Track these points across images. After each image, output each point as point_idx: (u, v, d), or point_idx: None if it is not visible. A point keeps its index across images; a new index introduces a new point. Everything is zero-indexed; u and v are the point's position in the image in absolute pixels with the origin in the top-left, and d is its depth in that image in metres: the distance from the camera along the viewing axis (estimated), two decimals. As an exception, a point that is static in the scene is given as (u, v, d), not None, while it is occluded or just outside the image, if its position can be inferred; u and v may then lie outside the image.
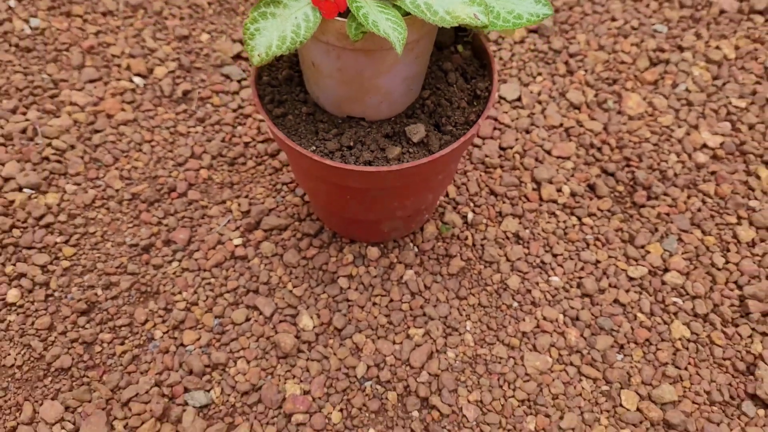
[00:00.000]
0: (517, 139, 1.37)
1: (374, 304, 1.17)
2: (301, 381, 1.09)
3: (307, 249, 1.22)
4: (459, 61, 1.08)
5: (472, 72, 1.08)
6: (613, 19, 1.56)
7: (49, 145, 1.31)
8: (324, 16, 0.85)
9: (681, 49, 1.51)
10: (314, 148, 0.99)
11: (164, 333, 1.13)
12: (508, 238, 1.26)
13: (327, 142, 0.99)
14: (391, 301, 1.17)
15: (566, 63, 1.49)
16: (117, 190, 1.28)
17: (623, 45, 1.51)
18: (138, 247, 1.22)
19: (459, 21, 0.83)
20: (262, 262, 1.21)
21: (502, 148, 1.36)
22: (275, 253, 1.22)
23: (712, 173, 1.34)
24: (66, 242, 1.22)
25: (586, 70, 1.48)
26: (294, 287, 1.18)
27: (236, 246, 1.23)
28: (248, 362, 1.10)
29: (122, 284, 1.18)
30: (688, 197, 1.31)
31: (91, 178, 1.29)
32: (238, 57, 1.47)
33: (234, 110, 1.39)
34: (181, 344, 1.12)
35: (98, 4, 1.53)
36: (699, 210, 1.29)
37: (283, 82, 1.06)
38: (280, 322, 1.15)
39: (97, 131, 1.35)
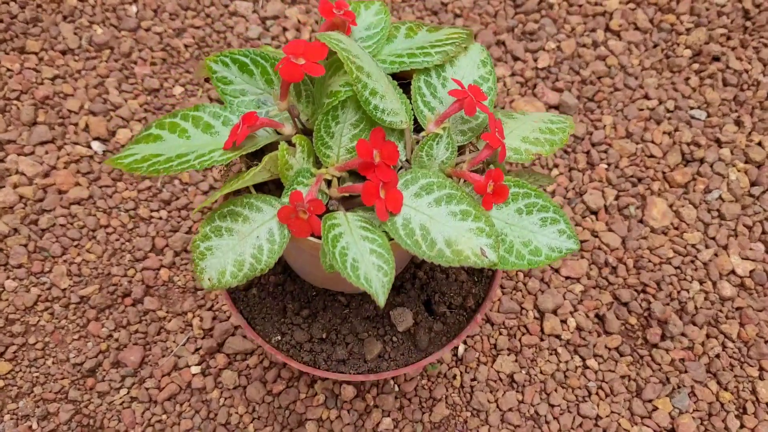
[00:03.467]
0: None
1: (343, 464, 1.04)
2: None
3: (273, 382, 1.08)
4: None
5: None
6: (647, 97, 1.36)
7: (-13, 231, 1.15)
8: (294, 234, 0.68)
9: (719, 143, 1.32)
10: (279, 337, 0.83)
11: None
12: (501, 380, 1.12)
13: (295, 330, 0.84)
14: (363, 462, 1.04)
15: (587, 153, 1.30)
16: (63, 290, 1.13)
17: (654, 134, 1.32)
18: (82, 367, 1.07)
19: (461, 260, 0.66)
20: (222, 396, 1.07)
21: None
22: (237, 385, 1.08)
23: (738, 309, 1.19)
24: (1, 355, 1.07)
25: (609, 164, 1.30)
26: (255, 430, 1.05)
27: (194, 375, 1.08)
28: None
29: (61, 415, 1.04)
30: (707, 337, 1.16)
31: (35, 272, 1.13)
32: (213, 122, 1.28)
33: (204, 192, 1.22)
34: None
35: (57, 38, 1.32)
36: (717, 356, 1.15)
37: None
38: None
39: (45, 211, 1.17)
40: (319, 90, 0.73)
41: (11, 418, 1.04)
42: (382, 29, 0.78)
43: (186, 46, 1.34)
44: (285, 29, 1.36)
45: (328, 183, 0.71)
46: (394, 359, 0.84)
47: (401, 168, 0.75)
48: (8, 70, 1.28)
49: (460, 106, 0.70)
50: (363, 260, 0.66)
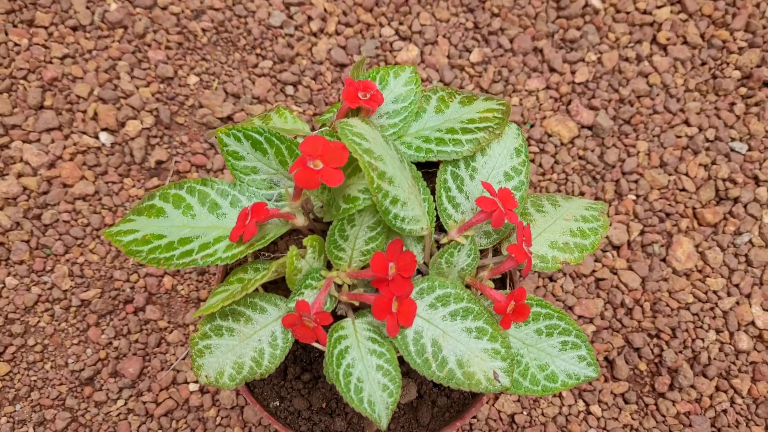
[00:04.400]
0: (538, 287, 1.17)
1: None
2: None
3: (271, 406, 1.07)
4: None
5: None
6: (687, 123, 1.28)
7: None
8: (298, 339, 0.64)
9: (757, 181, 1.25)
10: (277, 402, 0.81)
11: None
12: (501, 419, 1.10)
13: (294, 396, 0.81)
14: None
15: (616, 182, 1.24)
16: (64, 292, 1.11)
17: (690, 165, 1.25)
18: (81, 375, 1.06)
19: (471, 384, 0.63)
20: (218, 415, 1.07)
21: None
22: (235, 405, 1.07)
23: (752, 364, 1.16)
24: (0, 355, 1.06)
25: (638, 196, 1.24)
26: (250, 453, 1.05)
27: (192, 392, 1.07)
28: None
29: (58, 423, 1.04)
30: (717, 390, 1.14)
31: (37, 270, 1.11)
32: (229, 119, 1.22)
33: (213, 196, 1.17)
34: None
35: (69, 12, 1.24)
36: (725, 411, 1.13)
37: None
38: None
39: (48, 205, 1.14)
40: (337, 189, 0.67)
41: (8, 422, 1.04)
42: (411, 102, 0.72)
43: (204, 30, 1.26)
44: (310, 18, 1.27)
45: (338, 286, 0.67)
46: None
47: (418, 272, 0.70)
48: (16, 45, 1.21)
49: (487, 217, 0.65)
50: (368, 379, 0.63)
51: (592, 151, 1.25)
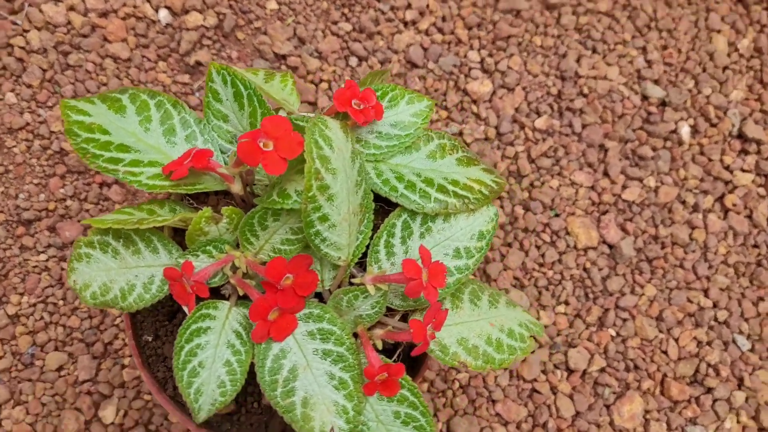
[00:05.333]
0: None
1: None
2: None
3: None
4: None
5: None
6: (705, 294, 1.20)
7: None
8: (173, 294, 0.62)
9: (739, 384, 1.17)
10: (150, 338, 0.79)
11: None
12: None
13: (167, 342, 0.79)
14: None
15: (605, 311, 1.18)
16: (51, 133, 1.10)
17: (684, 334, 1.18)
18: (23, 214, 1.07)
19: (304, 427, 0.60)
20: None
21: None
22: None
23: None
24: (-35, 157, 1.07)
25: (618, 334, 1.17)
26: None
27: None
28: None
29: (-20, 245, 1.04)
30: None
31: (39, 101, 1.12)
32: (283, 57, 1.19)
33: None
34: None
35: None
36: None
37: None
38: None
39: (81, 49, 1.14)
40: (277, 177, 0.63)
41: (-63, 219, 1.04)
42: (409, 135, 0.67)
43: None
44: (409, 6, 1.24)
45: (236, 268, 0.63)
46: None
47: (319, 296, 0.66)
48: None
49: (405, 281, 0.61)
50: (210, 368, 0.60)
51: (600, 269, 1.19)
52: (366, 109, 0.64)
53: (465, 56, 1.23)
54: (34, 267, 1.05)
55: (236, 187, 0.64)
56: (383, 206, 0.70)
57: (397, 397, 0.63)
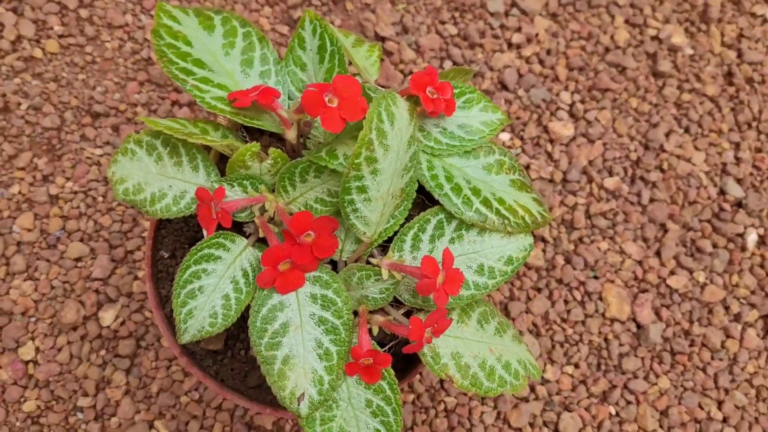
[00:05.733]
0: (461, 395, 1.10)
1: None
2: None
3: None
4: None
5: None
6: (719, 405, 1.16)
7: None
8: (197, 216, 0.62)
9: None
10: (166, 255, 0.80)
11: None
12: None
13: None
14: None
15: (612, 387, 1.14)
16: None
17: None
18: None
19: (277, 384, 0.59)
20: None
21: None
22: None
23: None
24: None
25: (617, 414, 1.14)
26: (140, 280, 1.05)
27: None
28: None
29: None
30: None
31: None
32: (382, 40, 1.19)
33: None
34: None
35: None
36: None
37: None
38: None
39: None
40: (331, 135, 0.63)
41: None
42: (472, 141, 0.67)
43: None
44: (519, 29, 1.22)
45: (265, 210, 0.64)
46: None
47: (333, 263, 0.66)
48: None
49: (419, 277, 0.60)
50: (208, 297, 0.61)
51: (620, 345, 1.15)
52: (438, 100, 0.63)
53: (557, 95, 1.21)
54: (88, 158, 1.08)
55: (291, 134, 0.64)
56: (424, 200, 0.69)
57: (374, 386, 0.63)
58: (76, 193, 1.07)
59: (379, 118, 0.57)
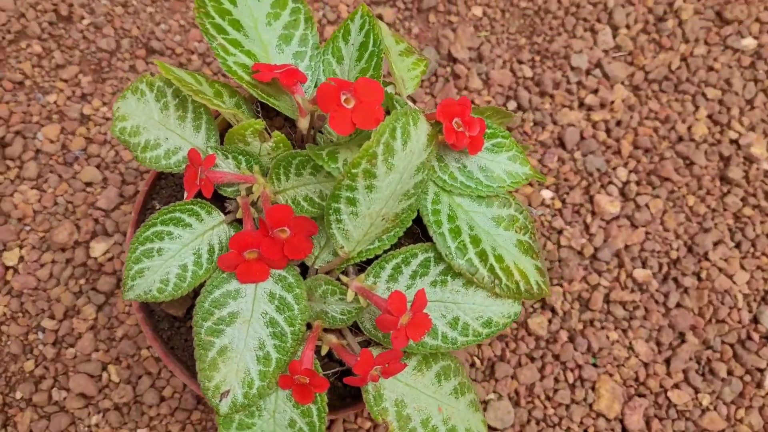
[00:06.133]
0: None
1: None
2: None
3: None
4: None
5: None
6: None
7: None
8: (184, 175, 0.60)
9: None
10: (157, 205, 0.77)
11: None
12: None
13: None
14: None
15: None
16: None
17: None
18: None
19: (206, 365, 0.56)
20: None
21: None
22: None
23: None
24: None
25: None
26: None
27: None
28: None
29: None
30: None
31: None
32: (454, 60, 1.15)
33: None
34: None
35: None
36: None
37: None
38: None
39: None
40: (337, 136, 0.60)
41: None
42: (489, 188, 0.62)
43: (559, 3, 1.18)
44: (605, 110, 1.16)
45: (251, 191, 0.60)
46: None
47: (304, 266, 0.62)
48: None
49: (382, 310, 0.55)
50: (166, 260, 0.57)
51: (599, 442, 1.08)
52: (462, 134, 0.58)
53: (614, 168, 1.15)
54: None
55: (303, 123, 0.60)
56: (420, 233, 0.64)
57: (304, 407, 0.58)
58: (107, 119, 1.06)
59: (392, 133, 0.53)
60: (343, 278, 0.59)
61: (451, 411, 0.62)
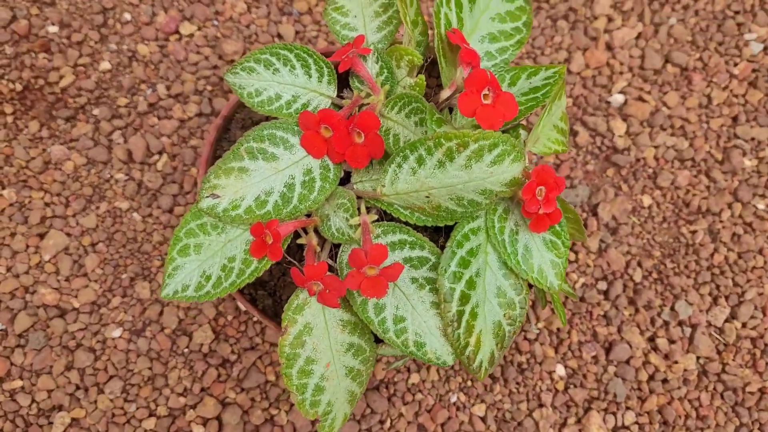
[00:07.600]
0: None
1: None
2: None
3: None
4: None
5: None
6: None
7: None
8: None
9: None
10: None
11: None
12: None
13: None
14: None
15: None
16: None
17: None
18: None
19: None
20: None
21: None
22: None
23: None
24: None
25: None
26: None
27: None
28: None
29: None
30: None
31: None
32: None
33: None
34: None
35: None
36: None
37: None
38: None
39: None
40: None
41: None
42: (518, 268, 0.65)
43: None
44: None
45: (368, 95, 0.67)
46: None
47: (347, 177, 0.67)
48: None
49: (362, 251, 0.60)
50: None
51: None
52: (538, 203, 0.61)
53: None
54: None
55: (445, 93, 0.67)
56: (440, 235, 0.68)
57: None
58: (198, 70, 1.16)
59: (489, 147, 0.58)
60: (362, 211, 0.65)
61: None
